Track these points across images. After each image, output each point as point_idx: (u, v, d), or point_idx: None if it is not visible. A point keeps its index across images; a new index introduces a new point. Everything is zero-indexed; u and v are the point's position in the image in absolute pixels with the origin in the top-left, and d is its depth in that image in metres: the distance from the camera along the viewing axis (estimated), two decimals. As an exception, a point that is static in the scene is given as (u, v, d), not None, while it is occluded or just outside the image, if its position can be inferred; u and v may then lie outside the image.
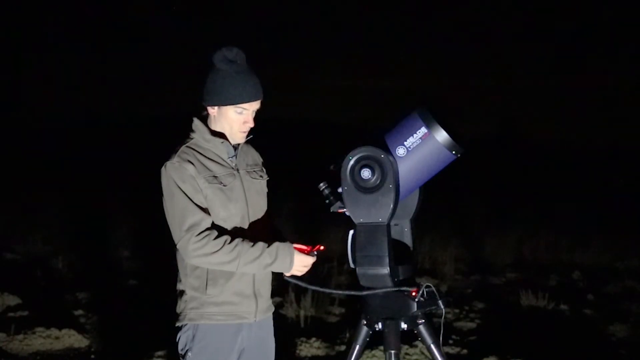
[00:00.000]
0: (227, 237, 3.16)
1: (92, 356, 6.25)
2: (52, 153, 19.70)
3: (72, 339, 6.46)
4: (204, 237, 3.14)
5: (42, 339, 6.40)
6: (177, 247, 3.21)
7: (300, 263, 3.24)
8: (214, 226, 3.20)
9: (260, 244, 3.19)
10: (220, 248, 3.14)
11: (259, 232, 3.33)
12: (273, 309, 3.48)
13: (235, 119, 3.29)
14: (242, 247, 3.16)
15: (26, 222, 11.51)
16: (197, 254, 3.15)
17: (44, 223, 11.46)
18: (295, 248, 3.27)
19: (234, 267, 3.17)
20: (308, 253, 3.27)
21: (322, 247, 3.30)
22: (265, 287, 3.39)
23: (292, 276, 3.30)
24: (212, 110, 3.31)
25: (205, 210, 3.19)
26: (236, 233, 3.25)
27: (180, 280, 3.33)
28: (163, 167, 3.24)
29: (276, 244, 3.21)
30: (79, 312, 7.35)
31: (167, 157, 3.25)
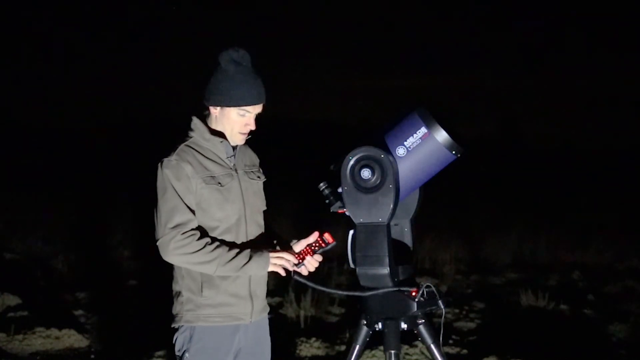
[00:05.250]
0: (208, 239, 3.18)
1: (92, 356, 6.24)
2: (53, 153, 19.70)
3: (72, 339, 6.46)
4: (188, 237, 3.15)
5: (42, 339, 6.40)
6: (158, 243, 3.20)
7: (275, 259, 3.21)
8: (202, 229, 3.20)
9: (236, 249, 3.19)
10: (202, 248, 3.14)
11: (255, 233, 3.33)
12: (268, 309, 3.47)
13: (237, 121, 3.28)
14: (222, 249, 3.17)
15: (26, 222, 11.51)
16: (178, 252, 3.15)
17: (44, 223, 11.47)
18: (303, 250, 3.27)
19: (213, 268, 3.17)
20: (324, 246, 3.25)
21: (329, 239, 3.25)
22: (261, 288, 3.38)
23: (299, 275, 3.28)
24: (214, 110, 3.30)
25: (193, 212, 3.20)
26: (231, 234, 3.25)
27: (176, 282, 3.32)
28: (159, 163, 3.23)
29: (247, 251, 3.20)
30: (79, 312, 7.35)
31: (165, 155, 3.24)
